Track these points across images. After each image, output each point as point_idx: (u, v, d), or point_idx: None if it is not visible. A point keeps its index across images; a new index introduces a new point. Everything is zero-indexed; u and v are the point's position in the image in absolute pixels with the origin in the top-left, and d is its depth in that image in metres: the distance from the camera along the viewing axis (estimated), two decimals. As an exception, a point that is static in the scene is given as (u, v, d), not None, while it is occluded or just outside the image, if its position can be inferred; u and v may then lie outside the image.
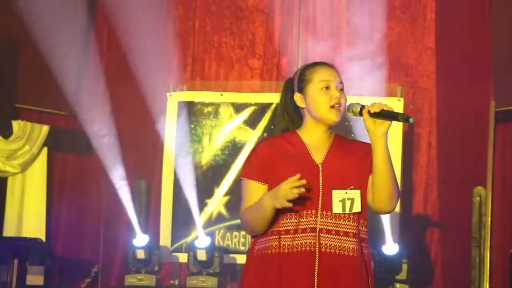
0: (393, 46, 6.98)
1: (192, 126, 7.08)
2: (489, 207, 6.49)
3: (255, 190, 2.77)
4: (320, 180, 2.73)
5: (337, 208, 2.71)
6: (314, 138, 2.81)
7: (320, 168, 2.75)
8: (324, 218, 2.71)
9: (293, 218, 2.72)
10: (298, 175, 2.61)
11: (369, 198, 2.76)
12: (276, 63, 7.20)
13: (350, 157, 2.78)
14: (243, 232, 6.81)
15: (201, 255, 6.54)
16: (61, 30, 6.67)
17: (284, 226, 2.73)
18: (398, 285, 6.34)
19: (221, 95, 7.11)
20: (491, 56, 6.69)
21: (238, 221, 6.03)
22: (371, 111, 2.67)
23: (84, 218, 7.12)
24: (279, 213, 2.73)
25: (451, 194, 6.74)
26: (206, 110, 7.11)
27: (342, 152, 2.80)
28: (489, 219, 6.47)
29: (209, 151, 7.04)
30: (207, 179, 7.01)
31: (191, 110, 7.08)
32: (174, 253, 6.98)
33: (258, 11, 7.26)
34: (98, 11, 7.20)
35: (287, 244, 2.71)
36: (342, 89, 2.80)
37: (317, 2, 7.09)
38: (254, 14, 7.25)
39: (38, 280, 6.53)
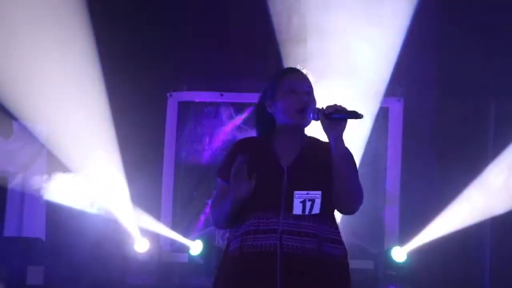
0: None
1: (192, 126, 7.07)
2: (489, 207, 6.49)
3: (221, 188, 2.86)
4: (284, 183, 2.76)
5: (297, 209, 2.74)
6: (285, 142, 2.84)
7: (285, 171, 2.78)
8: (286, 219, 2.73)
9: (253, 219, 2.76)
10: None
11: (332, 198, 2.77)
12: (276, 63, 7.18)
13: (320, 158, 2.79)
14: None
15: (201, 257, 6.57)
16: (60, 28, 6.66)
17: (246, 227, 2.77)
18: (398, 285, 6.34)
19: (221, 95, 7.11)
20: (491, 56, 6.69)
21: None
22: (326, 113, 2.70)
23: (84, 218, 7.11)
24: (244, 216, 2.78)
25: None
26: (206, 110, 7.11)
27: (312, 154, 2.82)
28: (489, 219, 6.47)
29: (209, 151, 7.04)
30: (207, 179, 7.00)
31: (191, 110, 7.08)
32: (174, 253, 6.98)
33: (259, 12, 7.25)
34: (97, 9, 7.18)
35: (247, 244, 2.75)
36: (310, 93, 2.83)
37: (318, 1, 7.08)
38: (254, 14, 7.24)
39: (38, 280, 6.54)
